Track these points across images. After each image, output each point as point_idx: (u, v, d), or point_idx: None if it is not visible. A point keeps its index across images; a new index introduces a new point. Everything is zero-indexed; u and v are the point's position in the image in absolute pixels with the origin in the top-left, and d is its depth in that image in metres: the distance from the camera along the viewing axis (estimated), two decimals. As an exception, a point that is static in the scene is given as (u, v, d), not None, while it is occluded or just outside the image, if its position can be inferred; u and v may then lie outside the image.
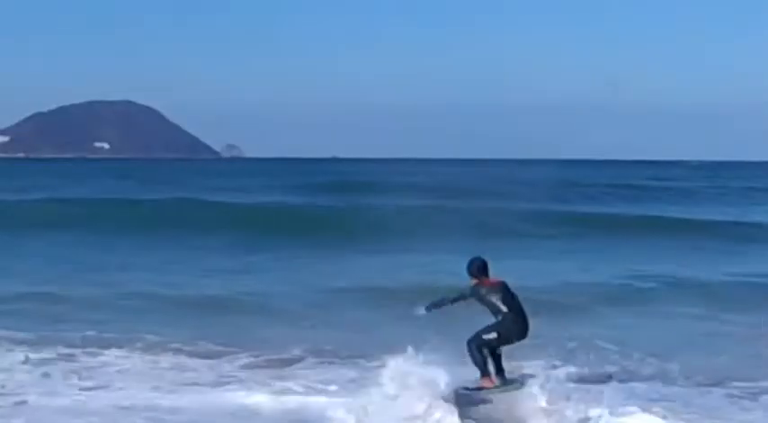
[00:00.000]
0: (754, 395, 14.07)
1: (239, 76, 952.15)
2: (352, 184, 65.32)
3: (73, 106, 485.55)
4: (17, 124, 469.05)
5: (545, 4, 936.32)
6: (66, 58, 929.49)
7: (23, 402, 13.23)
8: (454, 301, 12.41)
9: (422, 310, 12.59)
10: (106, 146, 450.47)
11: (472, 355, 12.27)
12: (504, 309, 12.19)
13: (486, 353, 12.23)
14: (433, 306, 12.51)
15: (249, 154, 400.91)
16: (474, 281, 12.37)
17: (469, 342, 12.22)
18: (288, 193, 57.62)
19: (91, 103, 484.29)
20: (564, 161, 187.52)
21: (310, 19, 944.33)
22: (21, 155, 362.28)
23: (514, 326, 12.19)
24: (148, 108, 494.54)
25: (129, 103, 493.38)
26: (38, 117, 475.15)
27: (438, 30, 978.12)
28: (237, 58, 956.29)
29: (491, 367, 12.30)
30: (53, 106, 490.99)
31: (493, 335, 12.19)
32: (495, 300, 12.22)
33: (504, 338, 12.26)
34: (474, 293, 12.32)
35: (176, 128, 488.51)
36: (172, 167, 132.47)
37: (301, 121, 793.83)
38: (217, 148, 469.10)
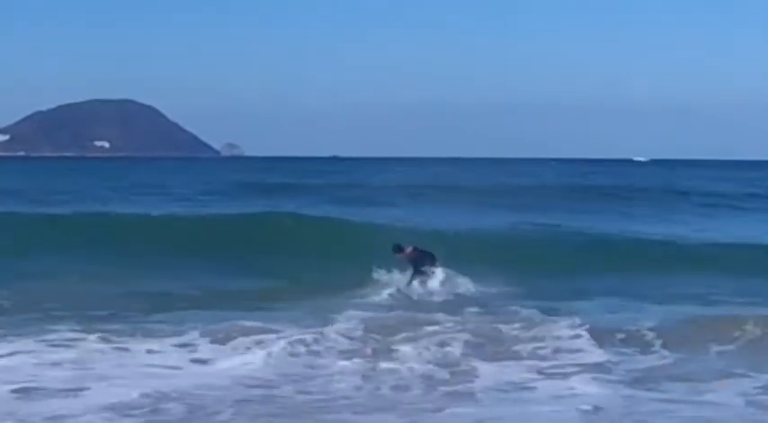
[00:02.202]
0: None
1: (239, 74, 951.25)
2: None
3: (73, 105, 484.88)
4: (17, 123, 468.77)
5: (545, 3, 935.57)
6: (66, 57, 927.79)
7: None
8: (412, 276, 21.97)
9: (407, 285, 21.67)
10: (106, 144, 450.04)
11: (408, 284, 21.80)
12: (415, 267, 22.01)
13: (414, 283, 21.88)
14: (409, 283, 21.76)
15: (249, 152, 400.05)
16: (399, 255, 22.16)
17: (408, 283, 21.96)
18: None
19: (91, 102, 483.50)
20: (568, 160, 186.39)
21: (310, 17, 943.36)
22: (21, 153, 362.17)
23: (425, 267, 21.97)
24: (148, 107, 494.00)
25: (129, 101, 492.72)
26: (38, 115, 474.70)
27: (439, 28, 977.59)
28: (237, 56, 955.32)
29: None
30: (53, 105, 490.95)
31: (416, 279, 21.89)
32: (410, 263, 22.14)
33: (421, 273, 21.91)
34: (408, 264, 22.08)
35: (176, 126, 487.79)
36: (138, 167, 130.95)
37: (302, 119, 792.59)
38: (217, 146, 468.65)
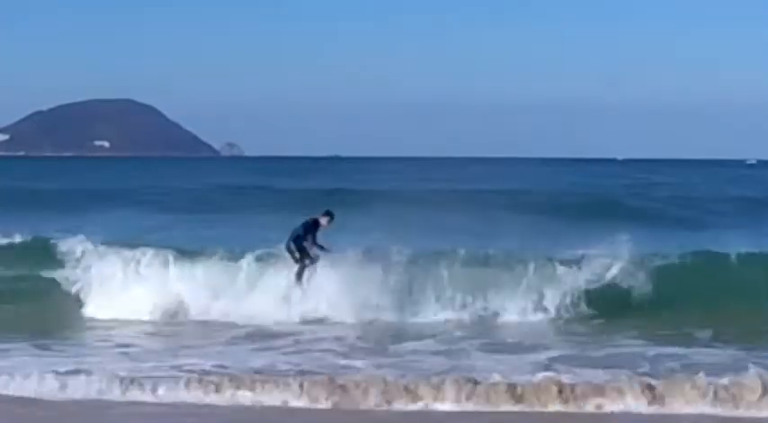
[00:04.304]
0: None
1: (239, 74, 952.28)
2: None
3: (73, 104, 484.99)
4: (17, 123, 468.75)
5: (545, 2, 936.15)
6: (67, 57, 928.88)
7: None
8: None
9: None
10: (106, 144, 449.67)
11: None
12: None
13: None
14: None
15: (249, 152, 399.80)
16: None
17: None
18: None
19: (91, 102, 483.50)
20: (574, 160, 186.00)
21: (310, 17, 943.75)
22: (21, 153, 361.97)
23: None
24: (148, 106, 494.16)
25: (129, 101, 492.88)
26: (38, 115, 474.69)
27: (439, 28, 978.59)
28: (237, 56, 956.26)
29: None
30: (53, 105, 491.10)
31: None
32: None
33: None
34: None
35: (176, 126, 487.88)
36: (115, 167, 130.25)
37: (302, 119, 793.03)
38: (216, 146, 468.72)
